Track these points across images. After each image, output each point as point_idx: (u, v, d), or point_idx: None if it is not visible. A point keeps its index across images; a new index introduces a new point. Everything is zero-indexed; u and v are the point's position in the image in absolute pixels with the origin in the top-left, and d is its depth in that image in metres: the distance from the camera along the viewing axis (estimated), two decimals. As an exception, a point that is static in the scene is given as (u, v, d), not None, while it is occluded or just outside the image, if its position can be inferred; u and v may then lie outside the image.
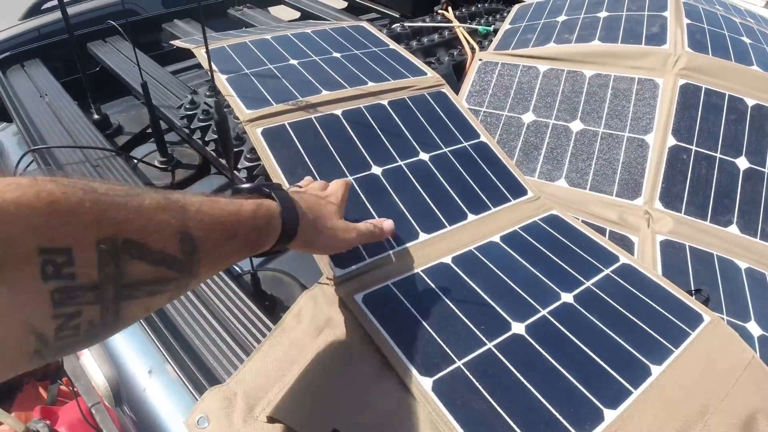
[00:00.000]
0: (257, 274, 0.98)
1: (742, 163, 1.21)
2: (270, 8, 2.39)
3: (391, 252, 0.92)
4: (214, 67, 1.26)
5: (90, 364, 0.97)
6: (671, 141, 1.21)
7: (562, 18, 1.58)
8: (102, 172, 1.22)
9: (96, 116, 1.53)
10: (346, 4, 2.37)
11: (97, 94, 1.53)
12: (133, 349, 0.91)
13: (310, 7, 2.17)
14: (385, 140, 1.11)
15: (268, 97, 1.16)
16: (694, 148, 1.21)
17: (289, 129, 1.09)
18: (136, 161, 1.36)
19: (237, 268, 1.12)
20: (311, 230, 0.69)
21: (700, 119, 1.25)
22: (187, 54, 1.38)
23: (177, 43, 1.47)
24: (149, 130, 1.53)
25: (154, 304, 0.47)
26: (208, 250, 0.49)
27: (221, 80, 1.21)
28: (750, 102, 1.28)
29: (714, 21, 1.49)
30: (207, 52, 0.93)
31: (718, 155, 1.21)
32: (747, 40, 1.45)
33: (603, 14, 1.52)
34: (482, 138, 1.20)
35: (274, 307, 1.00)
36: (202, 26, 0.95)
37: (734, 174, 1.20)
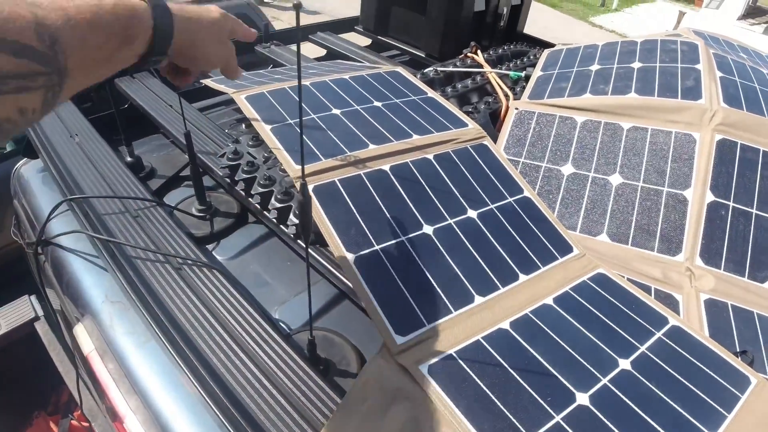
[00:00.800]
0: (314, 338, 0.98)
1: (779, 218, 1.24)
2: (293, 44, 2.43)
3: (448, 317, 0.93)
4: (255, 114, 1.27)
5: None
6: (710, 197, 1.24)
7: (595, 67, 1.61)
8: (142, 222, 1.24)
9: (129, 159, 1.54)
10: (369, 41, 2.41)
11: (127, 132, 1.54)
12: (189, 421, 0.92)
13: (336, 45, 2.20)
14: (433, 197, 1.13)
15: (317, 151, 1.18)
16: (731, 204, 1.24)
17: (339, 186, 1.11)
18: (177, 211, 1.37)
19: (286, 328, 1.13)
20: (189, 34, 0.73)
21: (737, 175, 1.27)
22: (218, 91, 1.40)
23: (208, 82, 1.49)
24: (182, 173, 1.55)
25: (26, 103, 0.47)
26: (70, 42, 0.51)
27: (265, 131, 1.22)
28: (785, 156, 1.31)
29: (744, 74, 1.52)
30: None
31: (754, 211, 1.24)
32: (777, 93, 1.48)
33: (636, 65, 1.55)
34: (526, 193, 1.23)
35: (328, 371, 1.00)
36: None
37: (771, 230, 1.22)
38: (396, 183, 1.15)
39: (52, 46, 0.48)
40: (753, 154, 1.31)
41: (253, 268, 1.28)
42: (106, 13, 0.56)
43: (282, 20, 8.04)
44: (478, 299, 0.98)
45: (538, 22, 9.78)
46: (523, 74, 1.73)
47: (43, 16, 0.48)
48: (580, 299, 1.03)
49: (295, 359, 0.94)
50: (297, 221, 1.17)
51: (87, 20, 0.53)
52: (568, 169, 1.35)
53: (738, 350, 1.02)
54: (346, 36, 2.39)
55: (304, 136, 1.24)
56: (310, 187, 1.09)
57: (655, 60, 1.56)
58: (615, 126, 1.39)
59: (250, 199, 1.29)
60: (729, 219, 1.23)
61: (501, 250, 1.08)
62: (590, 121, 1.42)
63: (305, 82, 1.46)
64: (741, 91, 1.43)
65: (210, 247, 1.33)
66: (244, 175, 1.31)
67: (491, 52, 1.95)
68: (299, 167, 1.13)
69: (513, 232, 1.13)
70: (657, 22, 11.70)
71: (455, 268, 1.01)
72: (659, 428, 0.81)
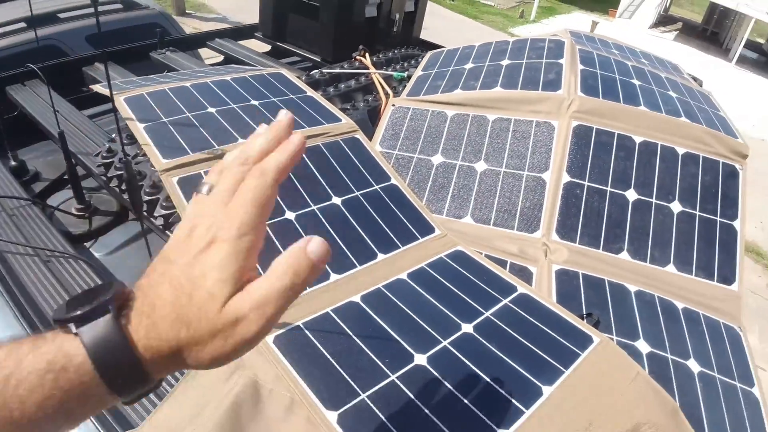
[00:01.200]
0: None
1: (631, 195, 1.33)
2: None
3: (302, 294, 0.97)
4: (131, 114, 1.29)
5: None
6: (566, 178, 1.32)
7: (469, 66, 1.69)
8: (18, 221, 1.24)
9: (13, 163, 1.54)
10: (269, 47, 2.45)
11: (16, 139, 1.54)
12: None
13: (234, 51, 2.23)
14: (299, 186, 1.17)
15: (185, 145, 1.21)
16: (586, 183, 1.33)
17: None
18: (52, 209, 1.38)
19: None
20: (177, 346, 0.42)
21: (592, 157, 1.36)
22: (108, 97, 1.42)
23: (95, 87, 1.51)
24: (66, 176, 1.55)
25: None
26: None
27: (138, 129, 1.24)
28: (638, 139, 1.41)
29: (607, 66, 1.64)
30: (112, 101, 0.98)
31: (609, 189, 1.33)
32: (637, 82, 1.59)
33: (506, 62, 1.65)
34: (393, 180, 1.28)
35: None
36: (107, 74, 0.98)
37: (624, 205, 1.32)
38: (263, 174, 1.19)
39: None
40: (608, 137, 1.40)
41: (131, 262, 1.30)
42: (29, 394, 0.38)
43: (204, 30, 8.00)
44: (334, 276, 1.02)
45: (462, 34, 10.09)
46: (405, 74, 1.81)
47: None
48: (434, 273, 1.08)
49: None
50: (164, 212, 1.20)
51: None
52: (437, 158, 1.42)
53: (584, 314, 1.09)
54: (247, 43, 2.43)
55: (174, 132, 1.27)
56: (175, 179, 1.12)
57: (523, 57, 1.65)
58: (481, 118, 1.47)
59: (123, 195, 1.31)
60: (584, 197, 1.31)
61: (362, 233, 1.13)
62: (459, 115, 1.49)
63: (186, 84, 1.49)
64: (600, 81, 1.53)
65: (88, 244, 1.34)
66: (117, 172, 1.32)
67: (380, 56, 2.02)
68: (165, 161, 1.15)
69: (376, 216, 1.18)
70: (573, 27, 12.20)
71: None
72: (491, 382, 0.87)
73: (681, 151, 1.41)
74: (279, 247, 1.03)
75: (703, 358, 1.13)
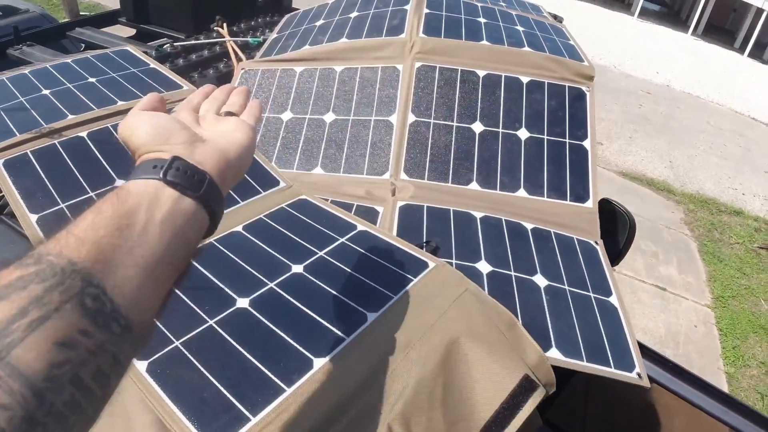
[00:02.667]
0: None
1: (477, 127, 1.35)
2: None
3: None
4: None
5: None
6: (412, 118, 1.33)
7: (320, 22, 1.68)
8: None
9: None
10: (134, 32, 2.37)
11: None
12: None
13: (95, 39, 2.14)
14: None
15: (14, 128, 1.16)
16: (432, 120, 1.34)
17: (32, 157, 1.10)
18: None
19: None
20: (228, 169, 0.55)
21: (437, 95, 1.37)
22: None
23: None
24: None
25: (57, 332, 0.36)
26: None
27: None
28: (481, 73, 1.43)
29: (454, 7, 1.65)
30: None
31: (455, 124, 1.34)
32: (482, 20, 1.61)
33: (354, 14, 1.64)
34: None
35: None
36: None
37: (471, 138, 1.33)
38: (93, 148, 1.15)
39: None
40: (451, 73, 1.42)
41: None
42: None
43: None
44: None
45: None
46: (261, 39, 1.78)
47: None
48: (271, 223, 1.07)
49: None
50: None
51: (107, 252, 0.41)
52: (287, 115, 1.40)
53: (424, 242, 1.10)
54: (112, 29, 2.34)
55: (5, 118, 1.21)
56: (0, 162, 1.08)
57: (371, 8, 1.65)
58: (329, 70, 1.46)
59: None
60: (431, 134, 1.32)
61: (197, 192, 1.10)
62: (307, 70, 1.48)
63: (25, 71, 1.42)
64: (444, 22, 1.54)
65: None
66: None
67: (242, 25, 1.98)
68: (-15, 147, 1.11)
69: (213, 175, 1.15)
70: None
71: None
72: (317, 317, 0.86)
73: (525, 79, 1.43)
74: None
75: (551, 273, 1.15)
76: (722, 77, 10.14)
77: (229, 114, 0.63)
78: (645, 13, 13.84)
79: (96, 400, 0.38)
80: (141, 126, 0.53)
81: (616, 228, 1.62)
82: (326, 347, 0.81)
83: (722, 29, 13.71)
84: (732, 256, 4.90)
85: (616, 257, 1.51)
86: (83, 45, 2.22)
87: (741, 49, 12.19)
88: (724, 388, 3.53)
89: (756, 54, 12.01)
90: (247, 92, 0.69)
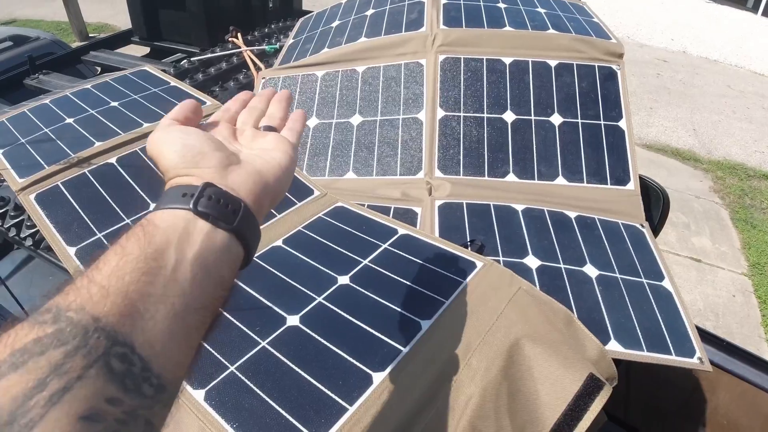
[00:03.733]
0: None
1: (509, 116, 1.31)
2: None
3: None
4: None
5: None
6: (441, 113, 1.30)
7: (336, 23, 1.65)
8: None
9: None
10: (148, 50, 2.36)
11: None
12: None
13: (110, 61, 2.14)
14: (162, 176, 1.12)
15: (41, 161, 1.15)
16: (462, 114, 1.30)
17: (63, 188, 1.09)
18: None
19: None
20: (264, 197, 0.51)
21: (464, 86, 1.34)
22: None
23: None
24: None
25: (81, 403, 0.31)
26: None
27: None
28: (507, 60, 1.39)
29: (471, -4, 1.61)
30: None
31: (485, 115, 1.31)
32: (502, 5, 1.57)
33: (370, 12, 1.61)
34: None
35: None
36: None
37: (503, 128, 1.30)
38: (123, 173, 1.13)
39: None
40: (477, 63, 1.38)
41: (18, 292, 1.24)
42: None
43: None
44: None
45: None
46: (277, 45, 1.75)
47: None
48: (311, 234, 1.05)
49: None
50: (29, 232, 1.14)
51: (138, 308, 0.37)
52: (312, 121, 1.37)
53: (468, 241, 1.07)
54: (125, 49, 2.33)
55: (31, 150, 1.21)
56: (32, 197, 1.07)
57: (386, 4, 1.61)
58: (351, 72, 1.43)
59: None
60: (462, 128, 1.29)
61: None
62: (329, 73, 1.45)
63: (46, 101, 1.42)
64: (463, 12, 1.50)
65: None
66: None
67: (256, 33, 1.96)
68: (21, 180, 1.11)
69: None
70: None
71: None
72: (370, 329, 0.84)
73: (553, 63, 1.39)
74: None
75: (600, 262, 1.12)
76: (738, 39, 9.92)
77: (269, 128, 0.58)
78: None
79: None
80: (171, 145, 0.49)
81: (650, 204, 1.57)
82: (384, 361, 0.79)
83: (734, -10, 13.42)
84: (765, 221, 4.79)
85: (652, 233, 1.47)
86: (99, 68, 2.22)
87: (754, 9, 11.91)
88: (767, 357, 3.45)
89: (770, 12, 11.73)
90: (289, 99, 0.64)
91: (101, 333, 0.33)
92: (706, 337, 1.23)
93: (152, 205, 1.06)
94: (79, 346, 0.32)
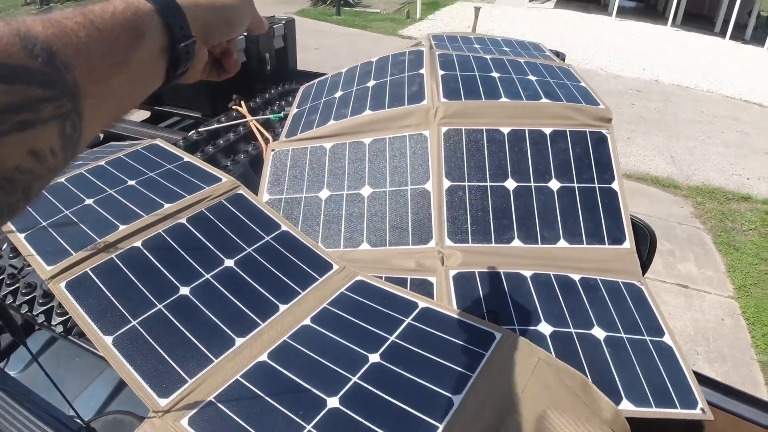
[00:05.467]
0: (90, 425, 1.01)
1: (510, 184, 1.40)
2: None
3: (210, 366, 0.98)
4: (11, 226, 1.27)
5: None
6: (447, 183, 1.38)
7: (338, 94, 1.74)
8: None
9: None
10: (148, 113, 2.43)
11: None
12: None
13: (111, 126, 2.19)
14: (188, 258, 1.18)
15: (67, 247, 1.19)
16: (467, 183, 1.38)
17: (92, 275, 1.13)
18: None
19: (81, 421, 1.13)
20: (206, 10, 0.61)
21: (467, 157, 1.42)
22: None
23: None
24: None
25: (37, 142, 0.38)
26: (70, 51, 0.41)
27: (19, 239, 1.22)
28: (505, 130, 1.48)
29: (466, 65, 1.71)
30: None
31: (488, 184, 1.39)
32: (496, 75, 1.67)
33: (371, 83, 1.70)
34: (283, 227, 1.30)
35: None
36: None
37: (506, 196, 1.38)
38: (150, 256, 1.19)
39: (50, 62, 0.39)
40: (477, 134, 1.47)
41: (51, 372, 1.27)
42: (99, 14, 0.47)
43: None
44: (239, 341, 1.03)
45: (354, 46, 10.20)
46: (282, 114, 1.83)
47: (29, 29, 0.39)
48: (337, 311, 1.11)
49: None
50: (60, 319, 1.18)
51: (81, 23, 0.44)
52: (324, 193, 1.45)
53: (485, 311, 1.14)
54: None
55: (55, 235, 1.25)
56: (62, 285, 1.11)
57: (387, 75, 1.71)
58: (358, 143, 1.51)
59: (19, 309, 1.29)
60: (468, 197, 1.37)
61: (260, 289, 1.14)
62: (337, 145, 1.53)
63: (61, 179, 1.46)
64: (461, 82, 1.60)
65: (1, 365, 1.31)
66: (7, 289, 1.29)
67: (258, 100, 2.04)
68: (50, 267, 1.14)
69: (272, 268, 1.20)
70: (458, 21, 12.53)
71: (215, 319, 1.06)
72: (406, 407, 0.90)
73: (548, 131, 1.49)
74: (177, 324, 1.04)
75: (606, 323, 1.19)
76: (708, 64, 10.25)
77: None
78: (622, 12, 14.02)
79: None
80: None
81: (638, 240, 1.66)
82: (422, 439, 0.85)
83: (700, 16, 13.88)
84: (747, 243, 4.94)
85: (641, 269, 1.55)
86: (101, 135, 2.27)
87: (722, 33, 12.33)
88: (759, 377, 3.54)
89: (737, 36, 12.15)
90: None
91: (73, 96, 0.41)
92: (702, 380, 1.31)
93: (181, 289, 1.12)
94: (55, 97, 0.39)
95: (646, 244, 1.70)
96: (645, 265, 1.64)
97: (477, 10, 10.11)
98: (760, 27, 12.84)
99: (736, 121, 7.82)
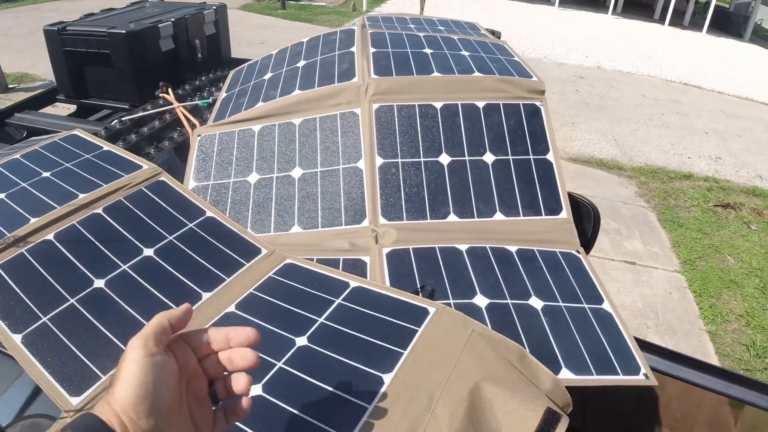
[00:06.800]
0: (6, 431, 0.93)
1: (444, 159, 1.36)
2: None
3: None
4: None
5: None
6: (379, 160, 1.33)
7: (268, 75, 1.67)
8: None
9: None
10: (75, 107, 2.31)
11: None
12: None
13: (36, 123, 2.08)
14: (105, 250, 1.11)
15: None
16: (400, 160, 1.34)
17: (1, 271, 1.05)
18: None
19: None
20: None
21: (399, 133, 1.38)
22: None
23: None
24: None
25: None
26: None
27: None
28: (438, 104, 1.44)
29: (398, 43, 1.67)
30: None
31: (422, 159, 1.35)
32: (428, 51, 1.64)
33: (301, 63, 1.64)
34: (208, 213, 1.24)
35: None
36: None
37: (440, 171, 1.35)
38: (62, 249, 1.11)
39: None
40: (409, 110, 1.43)
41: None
42: None
43: None
44: (157, 333, 0.97)
45: (298, 40, 10.06)
46: (210, 100, 1.76)
47: None
48: (263, 296, 1.06)
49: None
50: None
51: None
52: (253, 177, 1.39)
53: (419, 287, 1.10)
54: (50, 109, 2.28)
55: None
56: (-33, 286, 1.03)
57: (317, 54, 1.65)
58: (288, 124, 1.45)
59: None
60: (401, 174, 1.33)
61: (182, 277, 1.08)
62: (266, 127, 1.47)
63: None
64: (392, 59, 1.56)
65: None
66: None
67: (187, 87, 1.96)
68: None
69: (195, 256, 1.13)
70: (404, 12, 12.53)
71: (131, 311, 1.00)
72: (335, 390, 0.85)
73: (481, 104, 1.46)
74: (92, 319, 0.97)
75: (544, 293, 1.17)
76: (648, 50, 10.51)
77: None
78: (565, 2, 14.25)
79: None
80: (129, 377, 0.55)
81: (582, 218, 1.66)
82: (351, 421, 0.80)
83: (640, 3, 14.24)
84: (690, 219, 5.06)
85: (586, 246, 1.55)
86: (25, 131, 2.16)
87: (661, 20, 12.67)
88: (709, 347, 3.63)
89: (676, 21, 12.51)
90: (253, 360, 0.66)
91: None
92: (647, 347, 1.30)
93: (96, 281, 1.05)
94: None
95: (590, 221, 1.70)
96: (590, 242, 1.64)
97: (422, 1, 10.11)
98: (698, 12, 13.23)
99: (676, 103, 8.03)
